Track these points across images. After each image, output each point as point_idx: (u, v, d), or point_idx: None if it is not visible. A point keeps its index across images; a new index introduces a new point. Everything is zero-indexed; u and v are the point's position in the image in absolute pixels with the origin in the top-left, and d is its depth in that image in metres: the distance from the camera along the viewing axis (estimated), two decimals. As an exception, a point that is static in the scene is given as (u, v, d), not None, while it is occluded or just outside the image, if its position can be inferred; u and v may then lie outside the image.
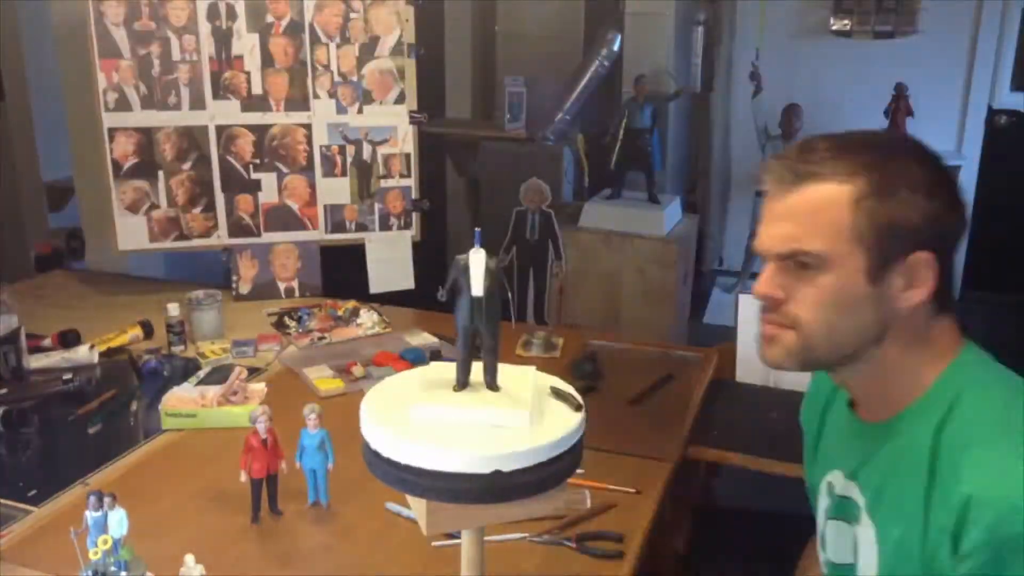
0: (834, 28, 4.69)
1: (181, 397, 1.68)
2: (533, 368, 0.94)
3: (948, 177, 0.88)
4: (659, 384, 1.85)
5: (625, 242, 3.59)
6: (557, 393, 0.90)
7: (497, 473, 0.70)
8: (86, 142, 2.38)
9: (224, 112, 2.31)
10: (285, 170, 2.38)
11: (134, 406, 1.79)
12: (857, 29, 4.65)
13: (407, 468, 0.77)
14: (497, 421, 0.80)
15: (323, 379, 1.82)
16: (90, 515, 1.15)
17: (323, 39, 2.34)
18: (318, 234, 2.42)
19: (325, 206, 2.42)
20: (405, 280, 2.45)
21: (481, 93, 4.55)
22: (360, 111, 2.39)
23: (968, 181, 4.72)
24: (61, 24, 2.49)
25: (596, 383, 1.84)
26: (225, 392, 1.67)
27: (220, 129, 2.32)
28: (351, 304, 2.24)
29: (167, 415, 1.64)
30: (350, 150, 2.41)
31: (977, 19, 4.54)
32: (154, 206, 2.32)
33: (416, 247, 2.48)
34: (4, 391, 1.75)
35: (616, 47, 3.91)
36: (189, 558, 1.16)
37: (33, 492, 1.43)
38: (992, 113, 4.68)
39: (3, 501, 1.40)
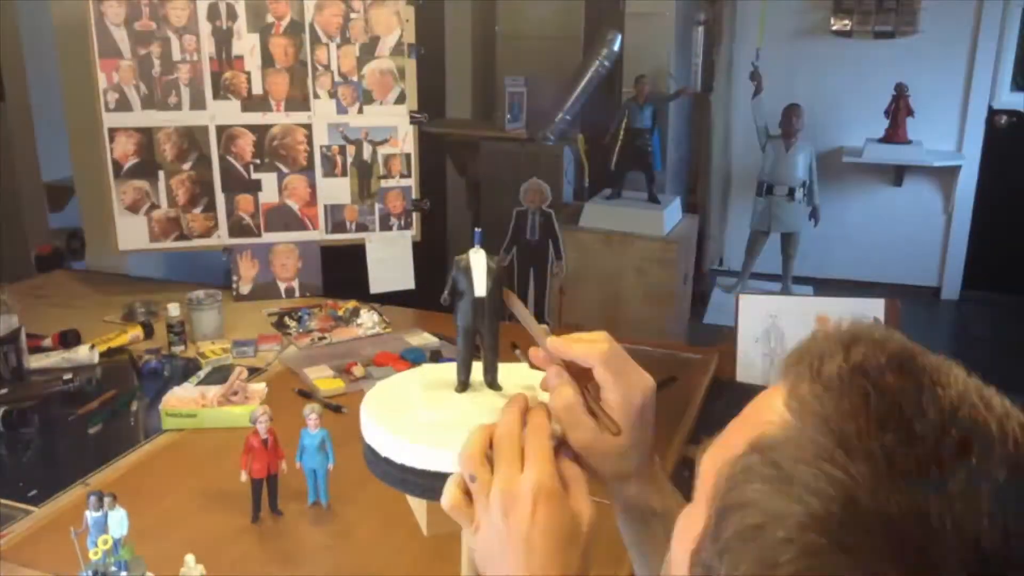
0: (834, 28, 4.69)
1: (181, 397, 1.68)
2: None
3: None
4: (661, 384, 1.85)
5: (625, 242, 3.59)
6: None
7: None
8: (86, 142, 2.38)
9: (224, 112, 2.31)
10: (285, 170, 2.38)
11: (134, 406, 1.79)
12: (857, 29, 4.65)
13: (407, 468, 0.77)
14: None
15: (324, 379, 1.82)
16: (90, 515, 1.15)
17: (323, 39, 2.34)
18: (318, 234, 2.42)
19: (325, 206, 2.42)
20: (405, 280, 2.45)
21: (481, 93, 4.55)
22: (360, 111, 2.39)
23: (968, 181, 4.73)
24: (61, 24, 2.49)
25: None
26: (225, 392, 1.67)
27: (220, 129, 2.32)
28: (351, 304, 2.24)
29: (167, 415, 1.64)
30: (350, 150, 2.41)
31: (977, 19, 4.55)
32: (154, 206, 2.32)
33: (416, 247, 2.48)
34: (4, 391, 1.75)
35: (616, 47, 3.91)
36: (189, 558, 1.16)
37: (33, 492, 1.42)
38: (992, 113, 4.69)
39: (3, 501, 1.40)
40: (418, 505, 0.82)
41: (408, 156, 2.44)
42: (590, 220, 3.71)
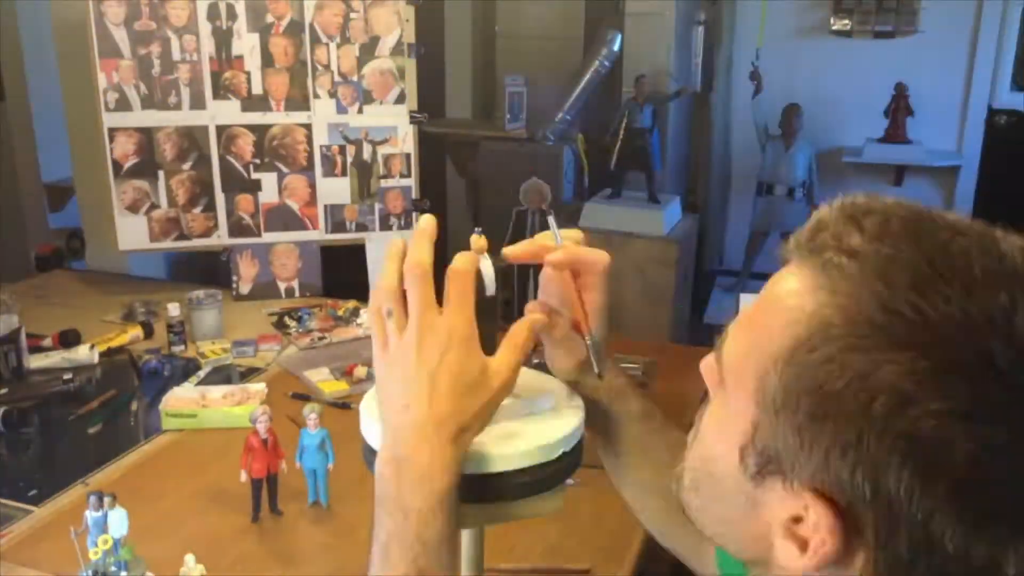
0: (834, 28, 4.69)
1: (181, 397, 1.68)
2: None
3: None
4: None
5: (625, 242, 3.59)
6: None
7: (496, 473, 0.70)
8: (86, 142, 2.38)
9: (224, 112, 2.31)
10: (285, 170, 2.38)
11: (134, 406, 1.79)
12: (857, 29, 4.65)
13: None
14: (497, 420, 0.80)
15: (327, 382, 1.82)
16: (90, 515, 1.15)
17: (323, 39, 2.34)
18: (318, 234, 2.42)
19: (325, 206, 2.42)
20: (405, 280, 2.45)
21: (481, 93, 4.55)
22: (360, 111, 2.39)
23: (968, 181, 4.72)
24: (61, 24, 2.49)
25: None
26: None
27: (220, 129, 2.32)
28: (351, 304, 2.24)
29: (167, 415, 1.64)
30: (350, 150, 2.41)
31: (977, 19, 4.54)
32: (154, 206, 2.32)
33: (416, 247, 2.47)
34: (4, 391, 1.75)
35: (616, 47, 3.91)
36: (189, 558, 1.16)
37: (33, 492, 1.43)
38: (992, 113, 4.68)
39: (3, 501, 1.40)
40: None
41: (408, 156, 2.44)
42: (590, 220, 3.71)
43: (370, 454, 0.81)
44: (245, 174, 2.36)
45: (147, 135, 2.28)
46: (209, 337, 2.06)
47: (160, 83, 2.26)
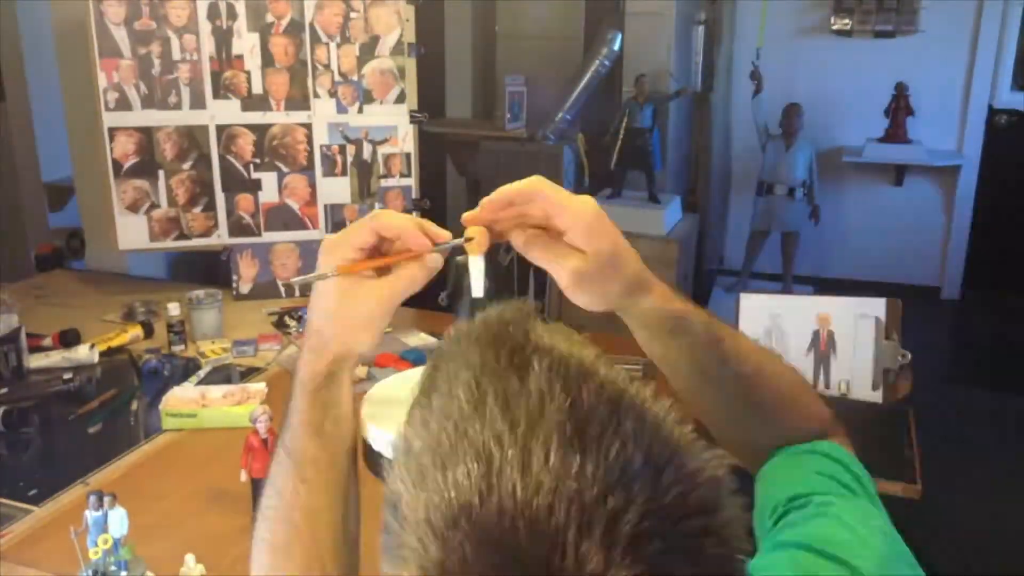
0: (834, 28, 4.69)
1: (181, 397, 1.68)
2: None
3: None
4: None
5: (625, 242, 3.59)
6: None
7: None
8: (86, 142, 2.37)
9: (224, 112, 2.31)
10: (285, 169, 2.38)
11: (134, 406, 1.79)
12: (857, 29, 4.65)
13: (407, 468, 0.77)
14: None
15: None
16: (90, 515, 1.15)
17: (323, 39, 2.34)
18: (318, 234, 2.42)
19: (325, 206, 2.42)
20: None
21: (481, 93, 4.55)
22: (360, 111, 2.39)
23: (968, 181, 4.72)
24: (61, 24, 2.49)
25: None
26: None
27: (220, 129, 2.32)
28: (351, 304, 2.23)
29: (167, 415, 1.64)
30: (350, 149, 2.41)
31: (977, 19, 4.54)
32: (154, 206, 2.32)
33: (416, 247, 2.47)
34: (4, 391, 1.75)
35: (616, 47, 3.91)
36: (189, 558, 1.16)
37: (33, 492, 1.42)
38: (992, 113, 4.68)
39: (3, 501, 1.40)
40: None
41: (408, 155, 2.44)
42: (590, 220, 3.71)
43: (370, 454, 0.81)
44: (245, 174, 2.35)
45: (147, 135, 2.28)
46: (209, 337, 2.06)
47: (160, 83, 2.26)
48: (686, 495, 0.42)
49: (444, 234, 0.69)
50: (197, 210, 2.34)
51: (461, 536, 0.41)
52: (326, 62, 2.35)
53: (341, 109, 2.38)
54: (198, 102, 2.29)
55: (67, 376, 1.82)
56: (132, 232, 2.31)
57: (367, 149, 2.41)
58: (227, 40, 2.28)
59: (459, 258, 0.80)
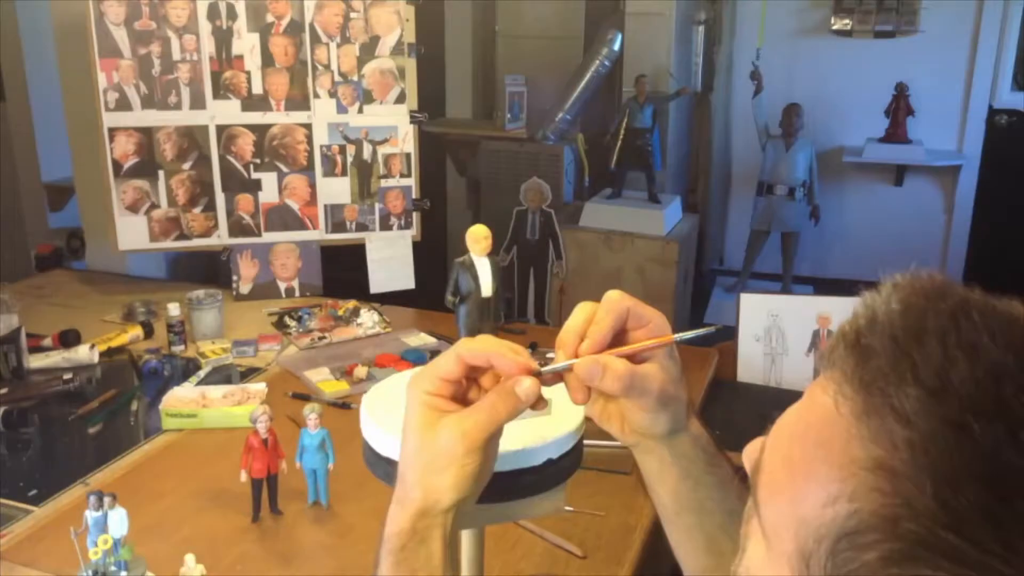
0: (834, 28, 4.69)
1: (181, 397, 1.67)
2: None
3: None
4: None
5: (625, 242, 3.59)
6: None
7: (496, 473, 0.70)
8: (86, 142, 2.37)
9: (224, 112, 2.31)
10: (285, 170, 2.38)
11: (134, 406, 1.79)
12: (857, 29, 4.65)
13: (407, 468, 0.77)
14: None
15: (327, 382, 1.82)
16: (90, 515, 1.15)
17: (323, 39, 2.34)
18: (318, 234, 2.42)
19: (325, 206, 2.42)
20: (405, 280, 2.45)
21: (481, 93, 4.55)
22: (360, 111, 2.39)
23: (968, 181, 4.72)
24: (61, 24, 2.49)
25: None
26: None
27: (220, 129, 2.32)
28: (351, 304, 2.24)
29: (167, 415, 1.64)
30: (350, 150, 2.41)
31: (977, 19, 4.55)
32: (154, 206, 2.32)
33: (416, 247, 2.48)
34: (4, 391, 1.75)
35: (616, 47, 3.91)
36: (189, 558, 1.16)
37: (33, 492, 1.42)
38: (992, 113, 4.68)
39: (3, 501, 1.40)
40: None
41: (408, 156, 2.44)
42: (590, 220, 3.71)
43: (371, 454, 0.81)
44: (245, 174, 2.36)
45: (147, 135, 2.28)
46: (209, 337, 2.06)
47: (160, 83, 2.26)
48: None
49: (531, 362, 0.64)
50: (197, 210, 2.34)
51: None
52: (326, 62, 2.35)
53: (341, 109, 2.38)
54: (198, 102, 2.29)
55: (67, 376, 1.82)
56: (132, 232, 2.31)
57: (367, 149, 2.41)
58: (227, 40, 2.28)
59: (460, 258, 0.81)
